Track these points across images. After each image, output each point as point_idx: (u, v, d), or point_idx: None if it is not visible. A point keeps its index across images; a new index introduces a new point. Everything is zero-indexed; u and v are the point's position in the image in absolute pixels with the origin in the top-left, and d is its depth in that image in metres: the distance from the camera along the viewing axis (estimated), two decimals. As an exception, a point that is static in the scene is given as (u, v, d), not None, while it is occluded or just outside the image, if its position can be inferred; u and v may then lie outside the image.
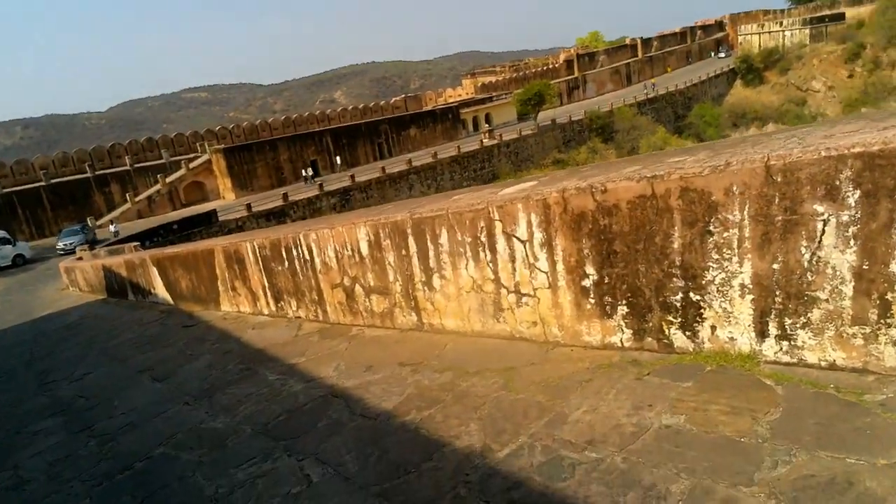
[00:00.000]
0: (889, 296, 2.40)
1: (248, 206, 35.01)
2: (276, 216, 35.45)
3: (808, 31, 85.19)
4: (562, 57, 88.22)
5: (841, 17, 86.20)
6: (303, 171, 46.19)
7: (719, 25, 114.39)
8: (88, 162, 45.05)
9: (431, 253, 4.28)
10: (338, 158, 49.94)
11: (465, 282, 4.11)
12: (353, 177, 41.38)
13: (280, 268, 6.32)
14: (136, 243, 22.84)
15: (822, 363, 2.68)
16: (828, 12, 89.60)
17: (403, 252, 4.52)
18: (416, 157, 47.49)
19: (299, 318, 6.25)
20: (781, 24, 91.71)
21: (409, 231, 4.40)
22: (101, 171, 44.72)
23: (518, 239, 3.65)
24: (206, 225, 32.58)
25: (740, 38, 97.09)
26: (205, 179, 45.01)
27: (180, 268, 9.49)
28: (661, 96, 73.06)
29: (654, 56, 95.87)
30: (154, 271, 10.94)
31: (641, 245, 3.07)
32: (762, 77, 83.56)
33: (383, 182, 42.65)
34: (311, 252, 5.66)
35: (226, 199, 43.88)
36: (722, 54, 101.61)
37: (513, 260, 3.74)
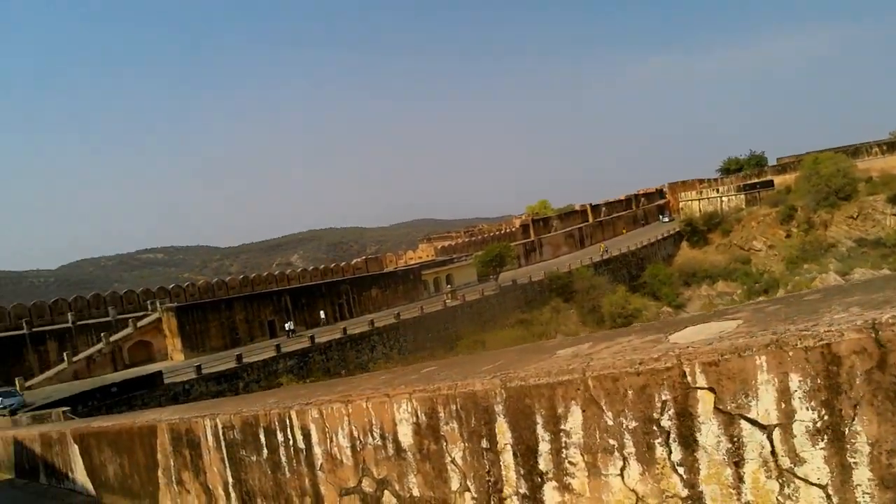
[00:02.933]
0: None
1: (198, 368, 32.25)
2: (228, 379, 32.75)
3: (743, 196, 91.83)
4: (517, 222, 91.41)
5: (770, 183, 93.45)
6: (285, 324, 45.77)
7: (659, 193, 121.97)
8: (26, 318, 41.85)
9: (545, 446, 2.49)
10: (322, 313, 49.54)
11: (616, 498, 2.31)
12: (312, 338, 39.21)
13: (254, 458, 4.36)
14: (65, 408, 19.93)
15: None
16: (757, 180, 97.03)
17: (485, 444, 2.71)
18: (378, 318, 45.97)
19: (279, 537, 4.22)
20: (718, 190, 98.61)
21: (499, 409, 2.63)
22: (39, 328, 41.43)
23: (752, 422, 1.95)
24: (150, 388, 29.71)
25: (681, 204, 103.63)
26: (153, 339, 42.05)
27: (109, 448, 7.28)
28: (615, 257, 75.04)
29: (604, 221, 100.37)
30: (75, 450, 8.63)
31: None
32: (706, 238, 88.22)
33: (344, 343, 40.57)
34: (307, 437, 3.78)
35: (174, 359, 40.78)
36: (665, 219, 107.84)
37: (737, 462, 1.99)
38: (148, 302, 46.40)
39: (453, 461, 2.87)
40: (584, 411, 2.35)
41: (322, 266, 61.50)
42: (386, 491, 3.26)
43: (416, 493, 3.09)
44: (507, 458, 2.63)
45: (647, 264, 77.47)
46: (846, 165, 79.02)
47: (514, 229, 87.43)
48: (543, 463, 2.50)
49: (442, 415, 2.88)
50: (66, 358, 38.50)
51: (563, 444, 2.43)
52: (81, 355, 39.31)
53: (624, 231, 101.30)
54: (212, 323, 42.78)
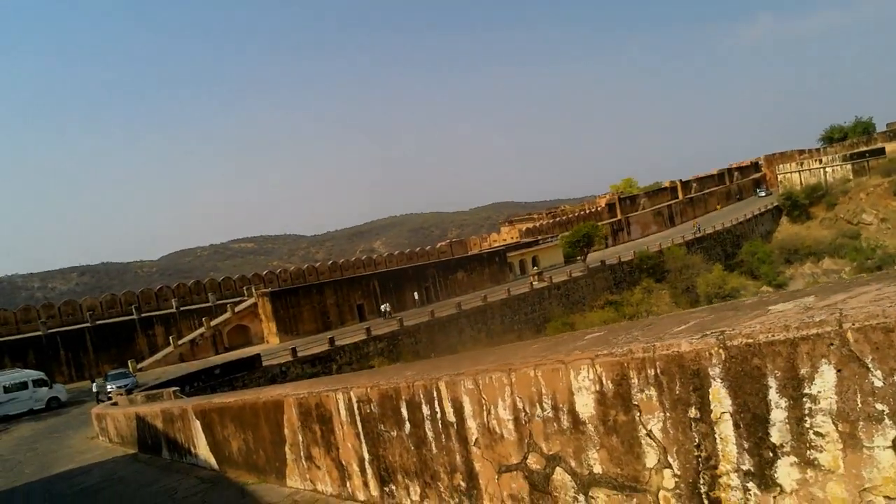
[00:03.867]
0: None
1: (294, 351, 33.20)
2: (322, 361, 33.59)
3: (850, 166, 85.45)
4: (603, 201, 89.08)
5: (881, 151, 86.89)
6: (380, 306, 46.97)
7: (755, 166, 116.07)
8: (135, 304, 44.64)
9: (779, 414, 2.09)
10: (415, 294, 50.78)
11: (884, 475, 1.89)
12: (401, 321, 39.62)
13: (394, 433, 4.16)
14: (175, 388, 20.86)
15: None
16: (865, 148, 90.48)
17: (694, 413, 2.34)
18: (465, 301, 45.94)
19: (424, 513, 4.01)
20: (821, 161, 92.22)
21: (715, 372, 2.25)
22: (147, 314, 44.08)
23: None
24: (250, 370, 30.78)
25: (780, 177, 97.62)
26: (249, 323, 43.81)
27: (232, 423, 7.34)
28: (708, 235, 71.89)
29: (695, 197, 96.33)
30: (197, 425, 8.82)
31: None
32: (809, 213, 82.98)
33: (432, 326, 40.79)
34: (458, 410, 3.52)
35: (269, 343, 42.32)
36: (762, 193, 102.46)
37: None
38: (244, 288, 48.41)
39: (649, 434, 2.50)
40: (838, 371, 1.94)
41: (407, 251, 62.15)
42: (558, 468, 2.94)
43: (597, 469, 2.75)
44: (725, 429, 2.25)
45: (744, 242, 73.83)
46: (972, 128, 72.57)
47: (599, 209, 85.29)
48: (777, 434, 2.10)
49: (635, 381, 2.52)
50: (171, 342, 40.70)
51: (807, 412, 2.02)
52: (185, 339, 41.45)
53: (718, 207, 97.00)
54: (304, 307, 44.07)
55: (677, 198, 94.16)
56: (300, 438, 5.46)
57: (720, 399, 2.24)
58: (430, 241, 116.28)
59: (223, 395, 10.40)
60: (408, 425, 3.99)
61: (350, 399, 4.59)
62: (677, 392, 2.37)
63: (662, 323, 2.87)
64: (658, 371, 2.42)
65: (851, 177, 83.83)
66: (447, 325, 41.92)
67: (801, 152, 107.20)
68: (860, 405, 1.90)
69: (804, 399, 2.02)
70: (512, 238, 74.29)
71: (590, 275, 55.21)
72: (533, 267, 60.45)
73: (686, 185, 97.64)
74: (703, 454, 2.33)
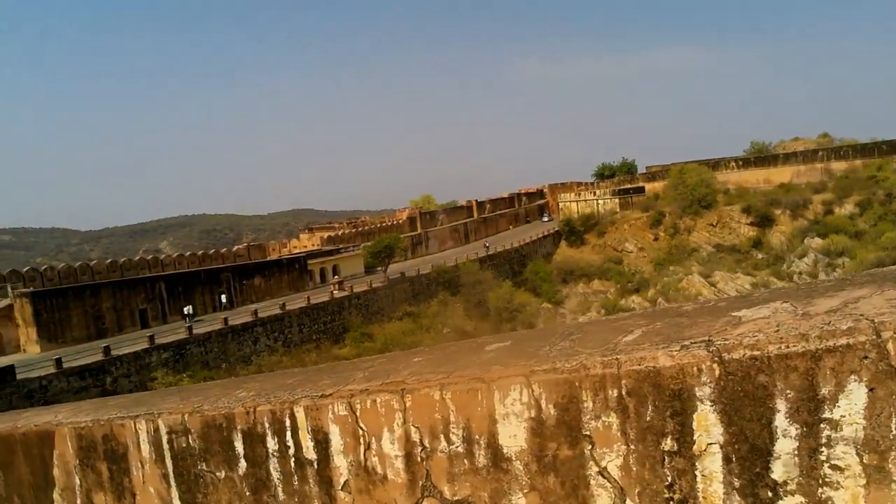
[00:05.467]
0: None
1: (58, 361, 28.73)
2: (94, 373, 29.57)
3: (617, 200, 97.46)
4: (404, 214, 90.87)
5: (642, 189, 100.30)
6: (184, 308, 43.46)
7: (540, 193, 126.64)
8: None
9: (786, 444, 1.67)
10: (223, 297, 47.87)
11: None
12: (190, 328, 36.31)
13: (222, 473, 3.21)
14: None
15: None
16: (630, 185, 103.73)
17: (669, 444, 1.85)
18: (262, 308, 43.59)
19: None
20: (595, 193, 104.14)
21: (703, 393, 1.78)
22: None
23: None
24: (-2, 386, 26.05)
25: (561, 205, 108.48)
26: (2, 329, 37.21)
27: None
28: (499, 253, 76.58)
29: (488, 217, 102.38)
30: None
31: None
32: (583, 239, 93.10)
33: (225, 334, 37.95)
34: (324, 444, 2.72)
35: (28, 352, 36.30)
36: (545, 218, 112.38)
37: None
38: (-3, 287, 41.13)
39: (603, 472, 1.98)
40: (871, 390, 1.57)
41: (200, 252, 57.49)
42: (466, 517, 2.31)
43: (525, 517, 2.18)
44: (710, 463, 1.80)
45: (529, 261, 79.92)
46: (708, 177, 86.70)
47: (400, 221, 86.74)
48: (781, 469, 1.69)
49: (589, 405, 1.98)
50: None
51: (824, 441, 1.63)
52: None
53: (511, 227, 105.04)
54: (74, 311, 38.26)
55: (472, 217, 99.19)
56: (77, 482, 4.19)
57: (707, 427, 1.79)
58: (224, 244, 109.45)
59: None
60: (243, 463, 3.07)
61: (157, 429, 3.52)
62: (648, 418, 1.88)
63: (598, 330, 2.39)
64: (624, 392, 1.92)
65: (618, 209, 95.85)
66: (242, 333, 39.32)
67: (579, 184, 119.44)
68: (895, 432, 1.55)
69: (822, 425, 1.63)
70: (313, 245, 72.54)
71: (390, 286, 55.67)
72: (334, 275, 59.44)
73: (481, 205, 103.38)
74: (677, 496, 1.86)
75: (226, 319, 39.16)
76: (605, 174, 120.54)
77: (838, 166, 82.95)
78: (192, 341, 35.62)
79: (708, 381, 1.77)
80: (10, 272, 44.29)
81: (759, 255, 75.29)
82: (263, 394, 3.14)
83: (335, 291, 50.84)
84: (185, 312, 43.56)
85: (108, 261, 49.30)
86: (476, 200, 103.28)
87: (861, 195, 72.58)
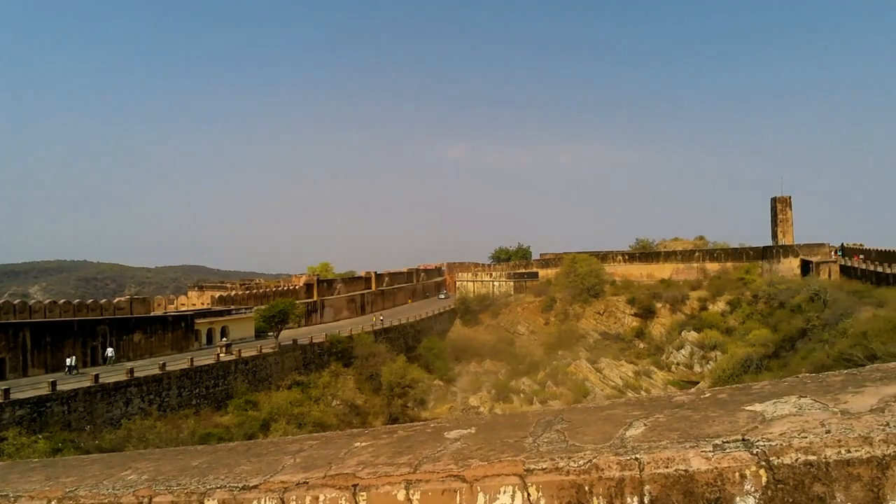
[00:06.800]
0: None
1: None
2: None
3: (512, 283, 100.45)
4: (301, 279, 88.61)
5: (535, 275, 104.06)
6: (66, 358, 40.51)
7: (438, 271, 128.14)
8: None
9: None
10: (109, 350, 44.92)
11: None
12: (53, 383, 32.84)
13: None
14: None
15: None
16: (524, 270, 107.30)
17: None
18: (140, 367, 40.36)
19: None
20: (491, 275, 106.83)
21: (751, 494, 1.66)
22: None
23: None
24: None
25: (458, 283, 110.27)
26: None
27: None
28: (395, 327, 75.88)
29: (386, 290, 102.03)
30: None
31: None
32: (478, 318, 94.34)
33: (94, 393, 34.58)
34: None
35: None
36: (442, 295, 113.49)
37: None
38: None
39: None
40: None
41: (76, 301, 52.90)
42: None
43: None
44: None
45: (424, 336, 79.58)
46: (597, 268, 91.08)
47: (297, 287, 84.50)
48: None
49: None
50: None
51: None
52: None
53: (409, 301, 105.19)
54: (-86, 355, 33.86)
55: (370, 288, 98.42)
56: None
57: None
58: (104, 294, 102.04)
59: None
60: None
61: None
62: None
63: (587, 420, 2.21)
64: (647, 499, 1.75)
65: (513, 292, 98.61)
66: (113, 392, 35.90)
67: (477, 265, 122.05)
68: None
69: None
70: (202, 304, 68.90)
71: (280, 352, 53.43)
72: (222, 338, 56.39)
73: (379, 277, 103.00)
74: None
75: (96, 376, 35.79)
76: (501, 257, 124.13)
77: (712, 267, 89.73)
78: (54, 398, 32.04)
79: (753, 489, 1.65)
80: None
81: (641, 345, 79.00)
82: (161, 478, 2.53)
83: (222, 354, 48.01)
84: (68, 364, 40.32)
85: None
86: (375, 272, 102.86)
87: (732, 294, 78.59)
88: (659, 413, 2.16)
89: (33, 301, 51.64)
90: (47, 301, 51.04)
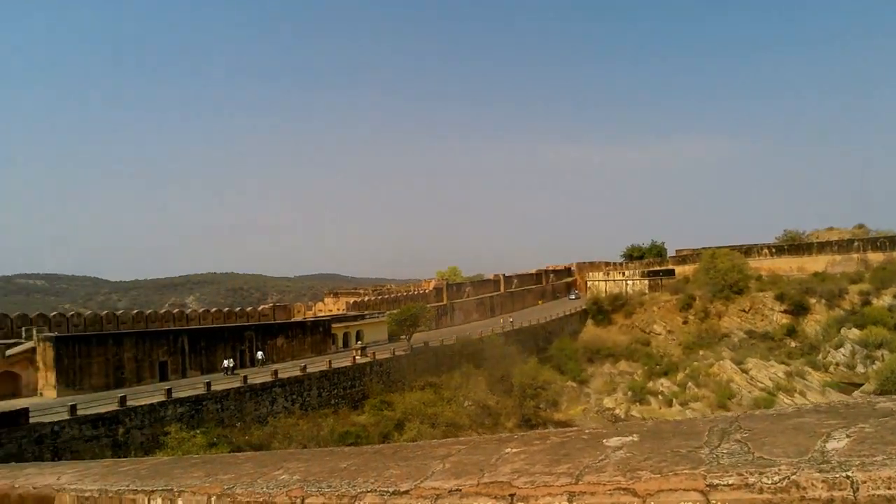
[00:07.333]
0: None
1: (73, 408, 28.34)
2: (107, 422, 29.04)
3: (647, 281, 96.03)
4: (431, 284, 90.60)
5: (672, 272, 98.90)
6: (224, 360, 44.58)
7: (568, 271, 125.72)
8: None
9: None
10: (259, 353, 48.75)
11: None
12: (209, 384, 35.85)
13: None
14: None
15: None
16: (660, 268, 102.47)
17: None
18: (283, 369, 43.08)
19: None
20: (624, 273, 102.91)
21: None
22: None
23: None
24: (10, 426, 25.82)
25: (589, 283, 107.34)
26: (22, 371, 37.20)
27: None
28: (525, 328, 75.31)
29: (515, 292, 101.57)
30: None
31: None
32: (610, 318, 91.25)
33: (243, 393, 37.35)
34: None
35: (45, 396, 36.06)
36: (572, 296, 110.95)
37: None
38: (23, 329, 41.51)
39: None
40: None
41: (225, 309, 57.74)
42: None
43: None
44: None
45: (555, 338, 78.37)
46: (741, 262, 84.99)
47: (426, 291, 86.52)
48: None
49: None
50: None
51: None
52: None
53: (539, 303, 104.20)
54: (95, 359, 38.24)
55: (499, 290, 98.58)
56: None
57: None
58: (249, 303, 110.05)
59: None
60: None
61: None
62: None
63: (771, 429, 1.84)
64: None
65: (647, 291, 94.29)
66: (260, 393, 38.69)
67: (608, 264, 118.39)
68: None
69: None
70: (338, 309, 72.42)
71: (413, 355, 54.87)
72: (357, 341, 58.92)
73: (508, 279, 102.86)
74: None
75: (245, 377, 38.70)
76: (634, 255, 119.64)
77: (875, 257, 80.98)
78: (209, 397, 35.09)
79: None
80: (36, 316, 44.96)
81: (793, 344, 72.70)
82: (312, 479, 2.56)
83: (357, 357, 50.16)
84: (225, 365, 44.15)
85: (134, 311, 49.70)
86: (503, 275, 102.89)
87: (901, 287, 70.56)
88: (862, 422, 1.81)
89: (189, 310, 56.91)
90: (201, 310, 56.02)
